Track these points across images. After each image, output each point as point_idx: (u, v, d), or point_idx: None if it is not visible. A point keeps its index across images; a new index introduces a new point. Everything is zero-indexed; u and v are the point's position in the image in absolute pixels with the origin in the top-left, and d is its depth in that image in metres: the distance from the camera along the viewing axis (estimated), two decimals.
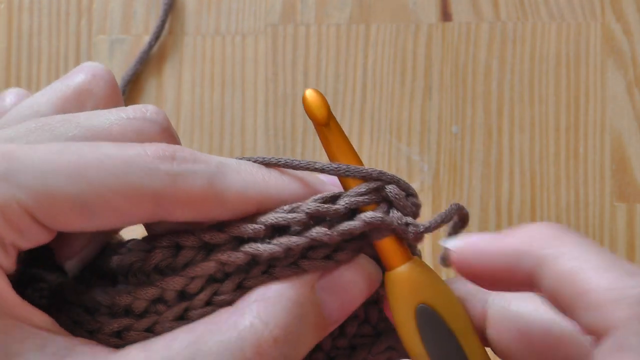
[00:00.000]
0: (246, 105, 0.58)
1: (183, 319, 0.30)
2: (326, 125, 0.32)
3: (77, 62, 0.58)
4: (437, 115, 0.58)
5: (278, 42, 0.58)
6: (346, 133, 0.62)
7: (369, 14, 0.59)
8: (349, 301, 0.31)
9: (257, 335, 0.28)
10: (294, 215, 0.31)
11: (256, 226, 0.31)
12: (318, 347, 0.33)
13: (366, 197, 0.31)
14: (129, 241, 0.32)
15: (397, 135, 0.58)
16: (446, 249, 0.31)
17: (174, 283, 0.30)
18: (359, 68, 0.58)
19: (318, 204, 0.31)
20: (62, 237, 0.32)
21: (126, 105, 0.33)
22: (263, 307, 0.29)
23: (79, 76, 0.34)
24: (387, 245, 0.31)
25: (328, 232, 0.30)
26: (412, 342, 0.31)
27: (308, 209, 0.31)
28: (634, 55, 0.58)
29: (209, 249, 0.31)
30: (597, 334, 0.26)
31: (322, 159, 0.58)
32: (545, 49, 0.58)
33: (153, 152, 0.30)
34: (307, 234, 0.30)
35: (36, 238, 0.29)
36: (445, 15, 0.58)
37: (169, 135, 0.32)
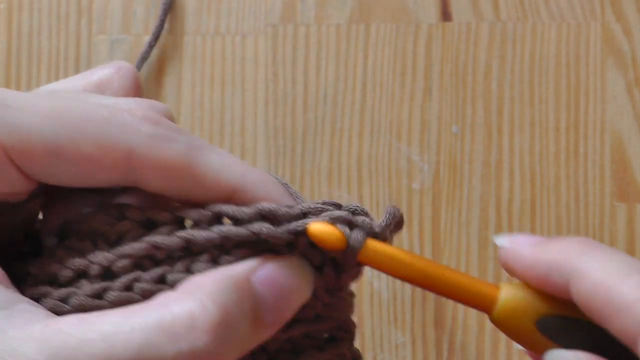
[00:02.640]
0: (246, 105, 0.58)
1: (99, 298, 0.29)
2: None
3: (77, 62, 0.58)
4: (437, 115, 0.58)
5: (278, 42, 0.58)
6: (346, 133, 0.62)
7: (369, 14, 0.59)
8: (284, 297, 0.29)
9: (193, 316, 0.27)
10: (245, 209, 0.29)
11: (202, 210, 0.30)
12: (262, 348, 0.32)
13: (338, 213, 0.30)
14: None
15: (397, 135, 0.57)
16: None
17: (102, 258, 0.29)
18: (359, 68, 0.58)
19: (278, 207, 0.29)
20: (47, 212, 0.32)
21: None
22: (202, 290, 0.28)
23: (104, 69, 0.34)
24: (469, 290, 0.30)
25: (272, 228, 0.29)
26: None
27: (262, 207, 0.29)
28: (634, 55, 0.58)
29: (149, 228, 0.30)
30: (629, 337, 0.27)
31: (322, 159, 0.58)
32: (545, 49, 0.58)
33: (140, 113, 0.30)
34: (249, 227, 0.29)
35: (10, 182, 0.29)
36: (445, 15, 0.58)
37: None
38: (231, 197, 0.30)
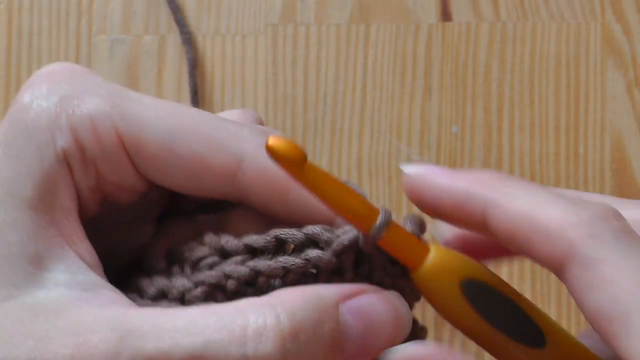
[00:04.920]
0: (246, 105, 0.58)
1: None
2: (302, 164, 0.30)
3: (77, 62, 0.58)
4: (437, 115, 0.58)
5: (278, 42, 0.58)
6: (346, 133, 0.62)
7: (369, 14, 0.59)
8: (372, 333, 0.29)
9: (265, 325, 0.27)
10: (295, 232, 0.30)
11: (267, 237, 0.30)
12: None
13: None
14: None
15: (397, 135, 0.58)
16: (404, 173, 0.31)
17: (179, 283, 0.30)
18: (359, 68, 0.58)
19: (322, 229, 0.30)
20: (156, 239, 0.33)
21: None
22: (283, 303, 0.28)
23: (230, 113, 0.36)
24: (397, 242, 0.30)
25: (321, 254, 0.29)
26: (470, 320, 0.29)
27: (309, 231, 0.30)
28: (634, 55, 0.58)
29: (225, 255, 0.31)
30: (557, 262, 0.27)
31: (322, 159, 0.58)
32: (545, 49, 0.58)
33: (250, 126, 0.31)
34: (302, 256, 0.30)
35: (121, 171, 0.30)
36: (445, 15, 0.58)
37: None
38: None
